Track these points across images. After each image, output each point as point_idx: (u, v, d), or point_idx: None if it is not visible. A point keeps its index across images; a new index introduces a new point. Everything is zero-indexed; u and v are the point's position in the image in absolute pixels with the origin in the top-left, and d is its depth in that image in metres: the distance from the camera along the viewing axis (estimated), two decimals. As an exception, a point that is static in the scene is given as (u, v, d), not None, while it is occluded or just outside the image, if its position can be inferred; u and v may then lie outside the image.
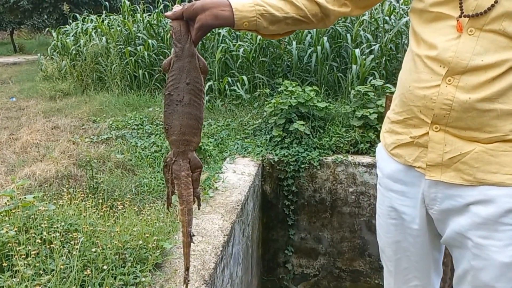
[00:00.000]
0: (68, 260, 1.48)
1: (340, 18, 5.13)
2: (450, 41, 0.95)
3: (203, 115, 1.06)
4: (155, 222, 1.90)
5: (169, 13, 1.01)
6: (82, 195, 2.10)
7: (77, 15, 8.34)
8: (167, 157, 1.06)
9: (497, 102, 0.92)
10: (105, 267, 1.48)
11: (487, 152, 0.96)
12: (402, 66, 1.09)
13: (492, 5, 0.89)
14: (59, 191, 2.56)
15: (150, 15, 6.79)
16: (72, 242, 1.56)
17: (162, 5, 6.65)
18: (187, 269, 1.15)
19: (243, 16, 1.00)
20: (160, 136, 3.90)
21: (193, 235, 1.11)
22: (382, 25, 5.15)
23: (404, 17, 4.79)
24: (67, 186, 2.57)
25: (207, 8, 0.97)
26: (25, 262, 1.41)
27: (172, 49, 1.02)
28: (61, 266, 1.40)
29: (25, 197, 1.83)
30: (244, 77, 4.93)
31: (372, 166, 3.47)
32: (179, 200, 1.07)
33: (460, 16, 0.93)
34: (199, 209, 1.23)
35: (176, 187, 1.06)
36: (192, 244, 1.13)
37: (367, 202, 3.57)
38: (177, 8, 1.01)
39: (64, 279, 1.39)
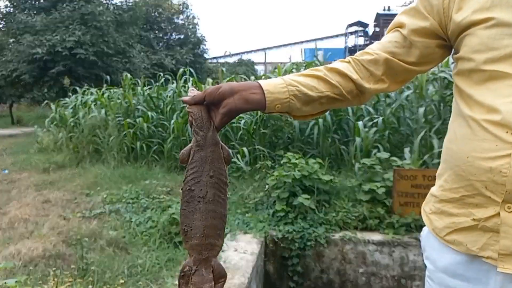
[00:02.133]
0: None
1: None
2: None
3: (227, 212, 0.90)
4: (151, 313, 1.66)
5: (187, 98, 0.89)
6: (70, 279, 1.87)
7: (77, 88, 8.45)
8: (185, 266, 0.85)
9: None
10: None
11: None
12: (450, 134, 0.94)
13: None
14: (45, 273, 2.32)
15: (150, 88, 6.86)
16: None
17: (163, 79, 6.73)
18: None
19: (275, 98, 0.90)
20: (156, 210, 3.70)
21: None
22: (384, 99, 5.16)
23: (405, 91, 4.81)
24: (54, 267, 2.33)
25: (236, 91, 0.88)
26: None
27: (193, 138, 0.88)
28: None
29: (5, 282, 1.61)
30: (245, 149, 4.84)
31: (383, 244, 3.25)
32: None
33: None
34: None
35: None
36: None
37: (379, 284, 3.29)
38: (193, 92, 0.90)
39: None
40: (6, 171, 5.85)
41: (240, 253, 2.97)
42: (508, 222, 0.80)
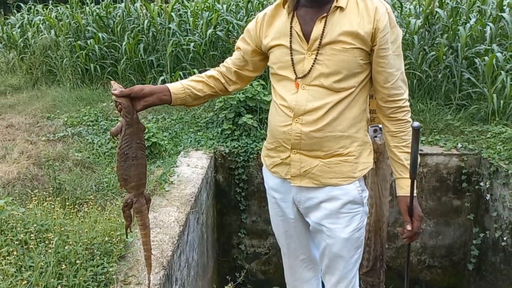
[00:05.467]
0: (44, 257, 1.73)
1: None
2: (292, 94, 1.45)
3: (146, 161, 1.42)
4: (117, 219, 2.16)
5: (116, 91, 1.35)
6: (49, 198, 2.32)
7: (21, 4, 8.15)
8: (128, 199, 1.40)
9: (326, 131, 1.44)
10: (77, 261, 1.74)
11: (325, 165, 1.48)
12: (269, 111, 1.59)
13: (310, 70, 1.41)
14: (23, 192, 2.75)
15: (99, 5, 6.77)
16: (46, 242, 1.80)
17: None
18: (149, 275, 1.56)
19: (177, 97, 1.49)
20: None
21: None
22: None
23: None
24: (31, 187, 2.76)
25: (154, 93, 1.42)
26: (6, 261, 1.64)
27: (122, 119, 1.36)
28: (41, 263, 1.65)
29: (-6, 202, 2.04)
30: (195, 70, 5.13)
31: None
32: (143, 227, 1.44)
33: (296, 78, 1.42)
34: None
35: (141, 218, 1.42)
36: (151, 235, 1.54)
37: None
38: (117, 86, 1.36)
39: (43, 274, 1.64)
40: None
41: (192, 167, 3.48)
42: (294, 159, 1.51)
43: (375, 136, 2.20)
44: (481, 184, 3.76)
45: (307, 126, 1.44)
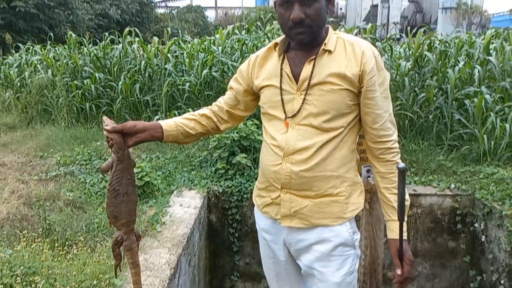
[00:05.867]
0: (29, 302, 1.68)
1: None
2: (282, 134, 1.48)
3: (137, 197, 1.43)
4: (106, 261, 2.11)
5: (108, 127, 1.36)
6: (38, 239, 2.27)
7: (20, 45, 8.29)
8: (118, 236, 1.38)
9: (317, 171, 1.45)
10: (63, 306, 1.69)
11: (316, 205, 1.49)
12: (261, 151, 1.61)
13: (299, 109, 1.44)
14: (11, 233, 2.69)
15: (96, 45, 6.90)
16: (32, 285, 1.75)
17: (109, 39, 6.80)
18: None
19: (169, 134, 1.52)
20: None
21: None
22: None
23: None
24: (19, 228, 2.71)
25: (146, 129, 1.44)
26: (-10, 306, 1.59)
27: (113, 155, 1.36)
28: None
29: (-18, 243, 1.99)
30: (190, 110, 5.15)
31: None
32: (133, 265, 1.41)
33: (286, 117, 1.46)
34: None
35: (131, 256, 1.39)
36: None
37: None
38: (109, 121, 1.37)
39: (27, 320, 1.59)
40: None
41: (185, 207, 3.45)
42: (284, 199, 1.51)
43: (368, 176, 2.20)
44: (476, 225, 3.74)
45: (297, 165, 1.46)
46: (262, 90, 1.55)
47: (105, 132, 1.36)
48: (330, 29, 1.49)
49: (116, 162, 1.35)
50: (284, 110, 1.47)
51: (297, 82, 1.46)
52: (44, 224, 2.78)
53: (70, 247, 2.38)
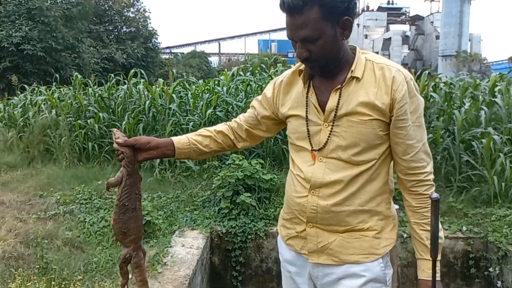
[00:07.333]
0: None
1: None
2: (309, 166, 1.39)
3: (142, 212, 1.36)
4: (106, 302, 1.98)
5: (120, 140, 1.31)
6: (34, 277, 2.14)
7: (26, 86, 8.37)
8: (126, 253, 1.30)
9: (345, 205, 1.35)
10: None
11: (344, 240, 1.38)
12: (286, 181, 1.52)
13: (326, 142, 1.35)
14: (6, 272, 2.56)
15: (102, 86, 6.95)
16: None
17: (114, 80, 6.86)
18: None
19: (181, 152, 1.45)
20: (108, 210, 3.96)
21: None
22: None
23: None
24: (15, 267, 2.57)
25: (159, 147, 1.39)
26: None
27: (123, 169, 1.30)
28: None
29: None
30: (193, 150, 5.13)
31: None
32: (142, 283, 1.34)
33: (312, 150, 1.38)
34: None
35: (139, 274, 1.32)
36: None
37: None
38: (120, 134, 1.32)
39: None
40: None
41: (187, 248, 3.32)
42: (310, 233, 1.41)
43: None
44: (490, 269, 3.58)
45: (324, 199, 1.36)
46: (289, 119, 1.47)
47: (115, 145, 1.30)
48: (358, 50, 1.38)
49: (125, 176, 1.29)
50: (310, 142, 1.38)
51: (324, 112, 1.37)
52: (41, 263, 2.66)
53: (67, 286, 2.24)
